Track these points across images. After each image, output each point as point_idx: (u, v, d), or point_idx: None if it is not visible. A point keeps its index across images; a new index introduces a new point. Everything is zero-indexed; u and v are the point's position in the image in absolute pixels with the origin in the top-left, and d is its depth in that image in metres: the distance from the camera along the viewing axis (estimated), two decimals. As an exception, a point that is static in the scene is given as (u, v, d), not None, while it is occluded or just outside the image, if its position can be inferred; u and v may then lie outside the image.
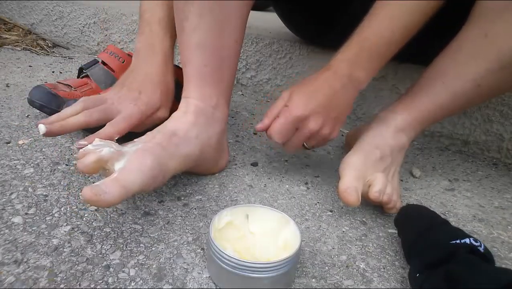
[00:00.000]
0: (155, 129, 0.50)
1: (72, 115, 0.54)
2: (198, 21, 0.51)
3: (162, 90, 0.61)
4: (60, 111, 0.63)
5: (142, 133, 0.50)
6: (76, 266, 0.38)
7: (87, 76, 0.75)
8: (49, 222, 0.44)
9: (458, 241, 0.40)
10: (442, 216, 0.54)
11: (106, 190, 0.37)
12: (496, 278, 0.35)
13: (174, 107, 0.56)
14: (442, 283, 0.37)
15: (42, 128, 0.49)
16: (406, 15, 0.51)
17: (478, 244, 0.39)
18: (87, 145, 0.42)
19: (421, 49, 0.76)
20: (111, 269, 0.38)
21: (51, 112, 0.66)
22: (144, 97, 0.58)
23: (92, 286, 0.36)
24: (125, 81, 0.60)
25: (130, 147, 0.44)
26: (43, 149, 0.60)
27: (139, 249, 0.42)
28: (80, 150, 0.42)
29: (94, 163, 0.40)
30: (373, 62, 0.53)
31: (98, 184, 0.37)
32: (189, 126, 0.51)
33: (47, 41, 1.27)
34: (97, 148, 0.41)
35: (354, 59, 0.52)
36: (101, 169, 0.41)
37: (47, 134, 0.50)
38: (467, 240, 0.39)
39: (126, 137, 0.53)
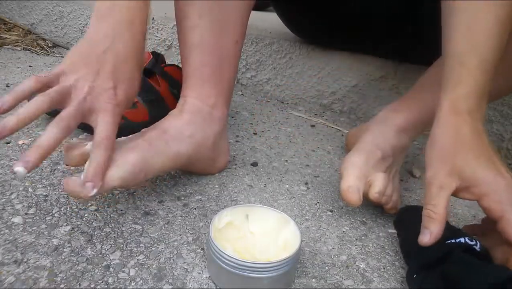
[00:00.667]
0: (150, 126, 0.50)
1: (36, 114, 0.39)
2: (198, 21, 0.51)
3: (138, 80, 0.47)
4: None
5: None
6: (76, 266, 0.38)
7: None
8: (49, 222, 0.44)
9: (453, 241, 0.40)
10: (442, 216, 0.54)
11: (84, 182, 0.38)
12: (494, 275, 0.35)
13: (173, 107, 0.56)
14: (439, 283, 0.37)
15: (21, 171, 0.36)
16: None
17: (474, 243, 0.39)
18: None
19: (421, 48, 0.76)
20: (111, 269, 0.38)
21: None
22: (121, 93, 0.44)
23: (92, 286, 0.36)
24: (90, 56, 0.44)
25: (117, 142, 0.44)
26: (43, 149, 0.60)
27: (139, 249, 0.42)
28: (65, 144, 0.43)
29: (78, 156, 0.41)
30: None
31: (77, 176, 0.39)
32: (183, 124, 0.51)
33: (47, 41, 1.27)
34: (82, 141, 0.42)
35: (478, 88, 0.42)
36: (85, 162, 0.42)
37: (29, 170, 0.37)
38: (462, 239, 0.39)
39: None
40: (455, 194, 0.41)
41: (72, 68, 0.43)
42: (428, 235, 0.39)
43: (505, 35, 0.41)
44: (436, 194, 0.40)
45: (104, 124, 0.42)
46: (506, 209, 0.38)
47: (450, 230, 0.41)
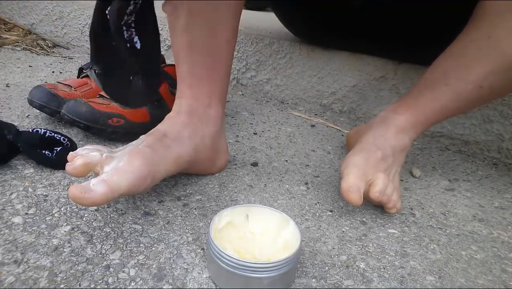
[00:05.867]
0: (148, 132, 0.50)
1: None
2: (189, 21, 0.50)
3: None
4: (60, 111, 0.64)
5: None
6: (76, 266, 0.38)
7: (87, 76, 0.75)
8: (49, 222, 0.44)
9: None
10: (442, 216, 0.54)
11: (92, 188, 0.38)
12: None
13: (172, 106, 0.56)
14: None
15: None
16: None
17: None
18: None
19: (421, 49, 0.76)
20: (111, 269, 0.38)
21: (51, 112, 0.66)
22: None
23: (92, 286, 0.36)
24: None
25: (120, 150, 0.45)
26: (43, 149, 0.60)
27: (139, 249, 0.42)
28: (70, 153, 0.42)
29: (82, 166, 0.40)
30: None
31: (84, 183, 0.38)
32: (181, 126, 0.51)
33: (47, 41, 1.27)
34: (87, 152, 0.42)
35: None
36: (90, 172, 0.42)
37: None
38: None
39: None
40: None
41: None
42: None
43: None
44: None
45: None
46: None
47: None
